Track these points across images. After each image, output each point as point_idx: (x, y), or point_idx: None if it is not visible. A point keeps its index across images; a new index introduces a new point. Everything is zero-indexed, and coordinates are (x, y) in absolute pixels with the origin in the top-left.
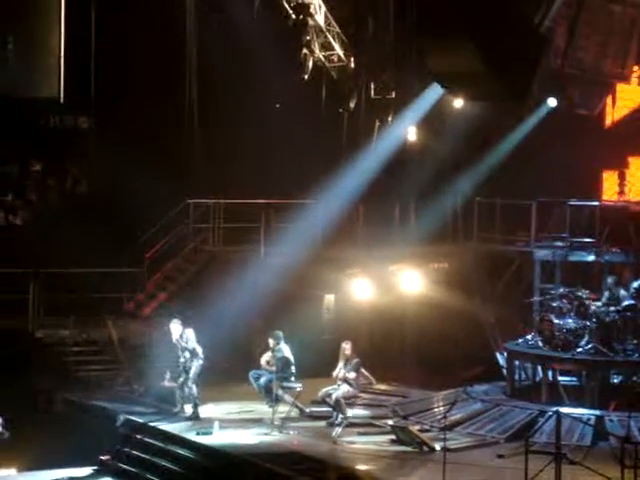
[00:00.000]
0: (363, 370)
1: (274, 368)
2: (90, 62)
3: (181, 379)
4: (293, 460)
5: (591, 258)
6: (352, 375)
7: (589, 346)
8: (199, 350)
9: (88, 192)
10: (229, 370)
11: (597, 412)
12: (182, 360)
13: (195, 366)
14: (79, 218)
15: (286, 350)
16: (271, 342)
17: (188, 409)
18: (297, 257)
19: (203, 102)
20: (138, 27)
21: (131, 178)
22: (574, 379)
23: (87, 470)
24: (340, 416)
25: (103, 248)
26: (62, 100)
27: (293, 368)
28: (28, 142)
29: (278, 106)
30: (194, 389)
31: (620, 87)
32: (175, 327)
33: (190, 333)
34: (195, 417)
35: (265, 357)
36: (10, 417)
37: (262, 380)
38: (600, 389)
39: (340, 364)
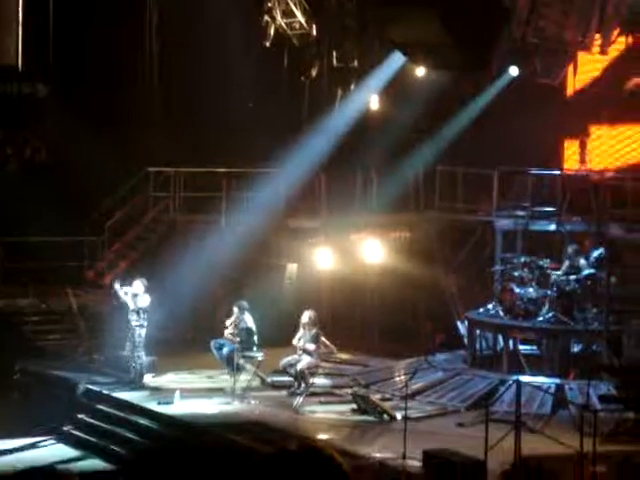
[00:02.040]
0: (324, 339)
1: (237, 339)
2: (48, 29)
3: (130, 346)
4: (254, 430)
5: (552, 227)
6: (312, 347)
7: (550, 315)
8: (144, 316)
9: (47, 160)
10: (190, 339)
11: (557, 381)
12: (132, 325)
13: (139, 332)
14: (38, 186)
15: (249, 320)
16: (235, 311)
17: (148, 378)
18: (259, 226)
19: (162, 68)
20: None
21: (90, 146)
22: (534, 348)
23: (47, 440)
24: (302, 386)
25: (63, 217)
26: (20, 68)
27: (256, 338)
28: None
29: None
30: (142, 356)
31: (581, 56)
32: (138, 286)
33: (146, 299)
34: (138, 385)
35: (228, 325)
36: None
37: (224, 350)
38: (560, 358)
39: (300, 332)
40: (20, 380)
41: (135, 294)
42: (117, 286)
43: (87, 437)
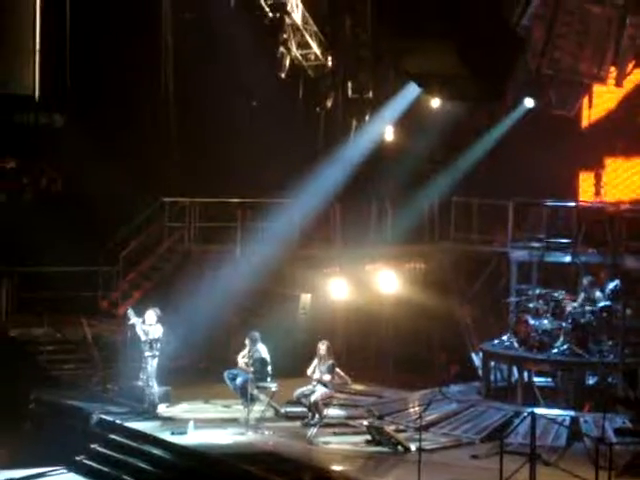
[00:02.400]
0: (338, 370)
1: (252, 369)
2: (65, 60)
3: (143, 376)
4: (268, 460)
5: (567, 259)
6: (327, 377)
7: (564, 347)
8: (157, 346)
9: (62, 190)
10: (204, 369)
11: (572, 413)
12: (145, 355)
13: (151, 363)
14: (53, 216)
15: (263, 350)
16: (248, 342)
17: (162, 408)
18: (273, 256)
19: (178, 101)
20: (114, 26)
21: (106, 176)
22: (549, 380)
23: (59, 469)
24: (317, 417)
25: (77, 247)
26: (37, 98)
27: (270, 368)
28: (2, 139)
29: (255, 104)
30: (154, 386)
31: (597, 88)
32: (150, 316)
33: (159, 329)
34: (152, 415)
35: (242, 357)
36: None
37: (238, 380)
38: (575, 390)
39: (315, 363)
40: (34, 410)
41: (148, 324)
42: (131, 316)
43: (100, 467)
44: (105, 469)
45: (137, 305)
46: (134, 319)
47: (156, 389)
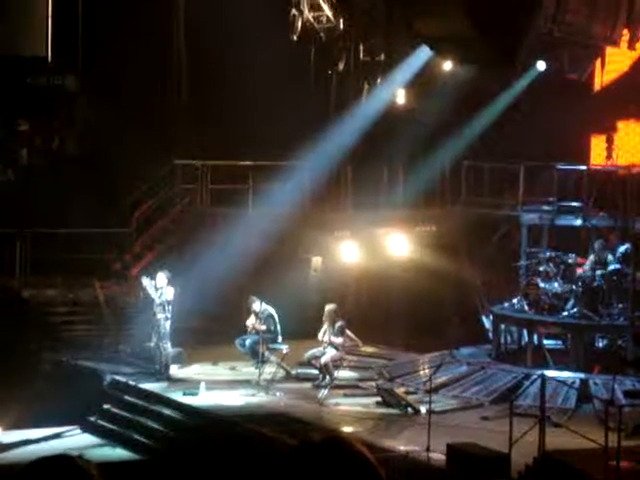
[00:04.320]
0: (349, 332)
1: (264, 327)
2: (77, 22)
3: (155, 338)
4: (279, 421)
5: (578, 222)
6: (338, 340)
7: (575, 310)
8: (170, 309)
9: (75, 152)
10: (216, 330)
11: (582, 375)
12: (157, 317)
13: (164, 324)
14: (67, 178)
15: (270, 308)
16: (252, 307)
17: (174, 369)
18: (285, 219)
19: (191, 63)
20: None
21: (118, 138)
22: (559, 343)
23: (73, 429)
24: (327, 378)
25: (90, 208)
26: (50, 59)
27: (279, 327)
28: (16, 101)
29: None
30: (168, 348)
31: (609, 51)
32: (161, 278)
33: (170, 291)
34: (164, 376)
35: (250, 322)
36: None
37: (248, 341)
38: (585, 353)
39: (325, 326)
40: (47, 370)
41: (159, 287)
42: (145, 280)
43: (112, 427)
44: (118, 429)
45: (149, 267)
46: (146, 282)
47: (169, 350)
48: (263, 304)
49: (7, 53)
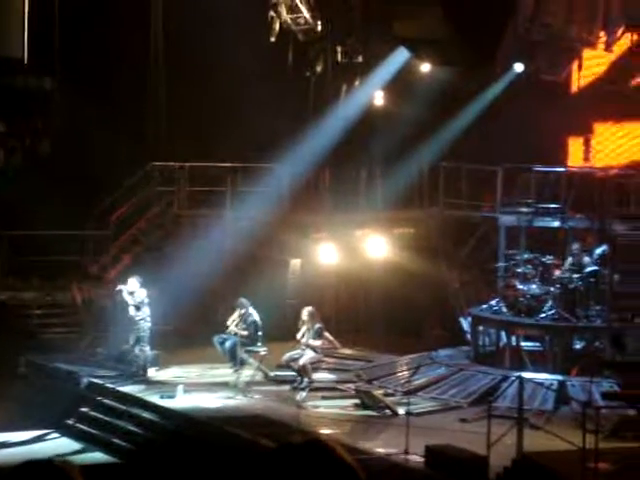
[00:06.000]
0: (327, 334)
1: (246, 332)
2: (54, 22)
3: (132, 340)
4: (257, 424)
5: (556, 224)
6: (316, 342)
7: (552, 312)
8: (147, 311)
9: (52, 154)
10: (193, 333)
11: (559, 377)
12: (135, 319)
13: (142, 326)
14: (43, 180)
15: (255, 315)
16: (238, 307)
17: (152, 372)
18: (263, 221)
19: (168, 64)
20: None
21: (95, 140)
22: (537, 344)
23: (51, 433)
24: (305, 380)
25: (67, 210)
26: (26, 61)
27: (260, 333)
28: None
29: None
30: (147, 350)
31: (586, 53)
32: (133, 283)
33: (142, 292)
34: (142, 378)
35: (232, 322)
36: None
37: (227, 344)
38: (562, 354)
39: (303, 328)
40: (24, 373)
41: (131, 292)
42: (122, 291)
43: (90, 430)
44: (95, 432)
45: (126, 270)
46: (120, 286)
47: (148, 352)
48: (250, 309)
49: None
